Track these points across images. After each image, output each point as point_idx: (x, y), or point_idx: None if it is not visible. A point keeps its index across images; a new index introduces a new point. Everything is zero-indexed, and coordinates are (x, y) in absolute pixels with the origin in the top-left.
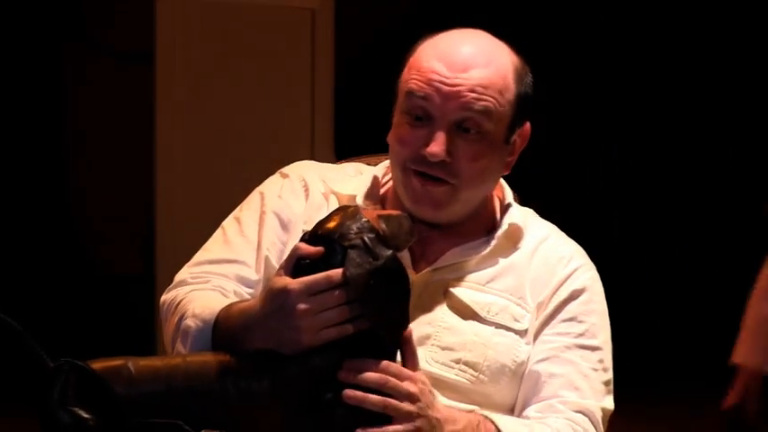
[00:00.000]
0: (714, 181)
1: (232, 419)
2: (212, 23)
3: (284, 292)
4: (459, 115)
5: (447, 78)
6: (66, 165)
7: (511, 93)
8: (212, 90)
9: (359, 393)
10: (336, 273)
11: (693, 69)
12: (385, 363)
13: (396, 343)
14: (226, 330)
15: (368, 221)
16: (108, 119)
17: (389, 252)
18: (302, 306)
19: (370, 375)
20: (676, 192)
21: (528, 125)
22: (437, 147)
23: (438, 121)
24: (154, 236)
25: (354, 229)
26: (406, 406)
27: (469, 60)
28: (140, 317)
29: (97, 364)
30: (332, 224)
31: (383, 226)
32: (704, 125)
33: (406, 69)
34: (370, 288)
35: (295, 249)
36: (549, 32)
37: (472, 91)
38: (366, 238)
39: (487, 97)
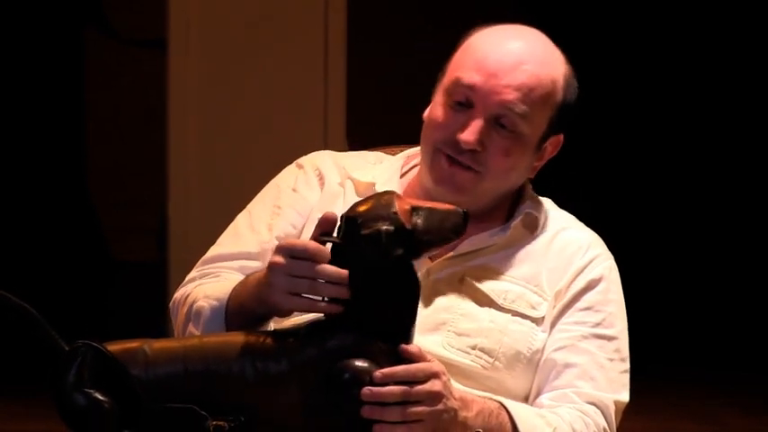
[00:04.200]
0: (719, 180)
1: (249, 400)
2: (225, 8)
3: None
4: (498, 111)
5: (497, 71)
6: (82, 150)
7: (555, 100)
8: (225, 76)
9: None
10: (315, 245)
11: (698, 69)
12: (407, 370)
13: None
14: (238, 305)
15: (395, 213)
16: (123, 104)
17: (400, 252)
18: (276, 259)
19: (394, 390)
20: (680, 191)
21: (561, 136)
22: (471, 135)
23: (478, 110)
24: (167, 223)
25: (378, 218)
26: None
27: (524, 57)
28: (153, 304)
29: (113, 347)
30: (362, 208)
31: (415, 220)
32: (712, 123)
33: (459, 51)
34: (369, 286)
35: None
36: (551, 32)
37: (518, 90)
38: (383, 232)
39: (530, 100)
